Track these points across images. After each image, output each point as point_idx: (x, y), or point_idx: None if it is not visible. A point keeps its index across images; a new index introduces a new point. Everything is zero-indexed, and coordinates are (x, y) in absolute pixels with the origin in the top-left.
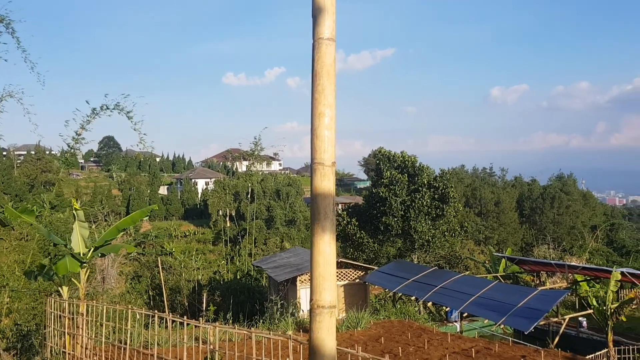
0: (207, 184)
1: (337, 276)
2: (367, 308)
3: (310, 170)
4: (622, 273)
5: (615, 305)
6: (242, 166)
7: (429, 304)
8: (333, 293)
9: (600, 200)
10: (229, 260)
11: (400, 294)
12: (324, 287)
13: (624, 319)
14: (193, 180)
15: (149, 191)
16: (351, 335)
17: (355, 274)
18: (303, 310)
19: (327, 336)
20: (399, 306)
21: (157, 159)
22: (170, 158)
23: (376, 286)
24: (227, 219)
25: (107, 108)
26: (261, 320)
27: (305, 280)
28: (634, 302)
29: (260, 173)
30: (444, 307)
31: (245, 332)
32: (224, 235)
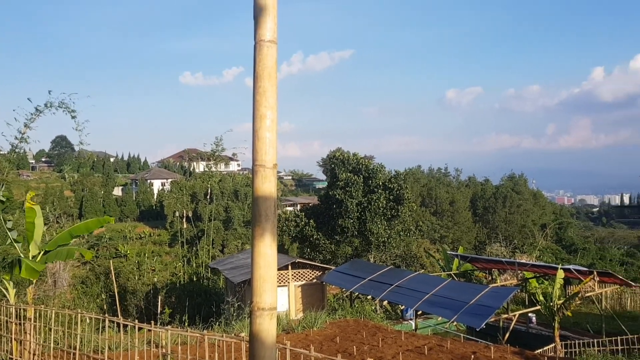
0: (163, 184)
1: (295, 277)
2: (324, 308)
3: (252, 172)
4: (568, 270)
5: (562, 301)
6: (199, 166)
7: (385, 302)
8: (274, 295)
9: (550, 200)
10: (185, 262)
11: (357, 293)
12: (264, 289)
13: (570, 314)
14: (149, 181)
15: (102, 192)
16: (307, 336)
17: (313, 274)
18: None
19: (267, 339)
20: (356, 305)
21: (112, 159)
22: (125, 158)
23: (334, 286)
24: (184, 220)
25: (52, 106)
26: (217, 323)
27: None
28: (579, 295)
29: (219, 173)
30: (399, 306)
31: (198, 334)
32: (181, 237)
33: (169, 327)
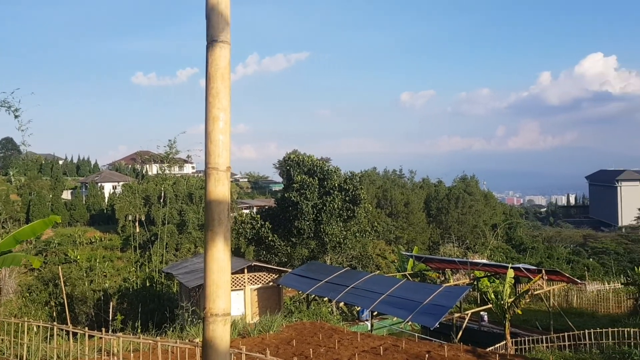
0: (114, 187)
1: (251, 280)
2: (280, 311)
3: (204, 175)
4: (518, 269)
5: (512, 299)
6: (152, 169)
7: (342, 304)
8: (227, 300)
9: (500, 200)
10: (138, 267)
11: (313, 296)
12: (217, 294)
13: (520, 312)
14: (99, 184)
15: (51, 196)
16: (263, 339)
17: (269, 277)
18: None
19: (220, 345)
20: (312, 307)
21: (60, 162)
22: (75, 161)
23: (291, 289)
24: (137, 224)
25: None
26: (171, 328)
27: None
28: (529, 293)
29: (173, 176)
30: (355, 307)
31: (151, 341)
32: (133, 241)
33: (121, 334)
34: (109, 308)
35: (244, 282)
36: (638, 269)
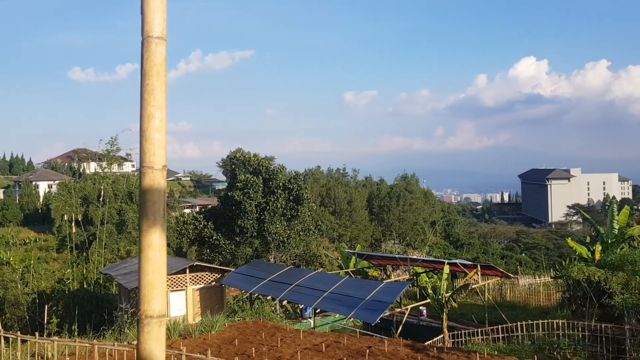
0: (50, 186)
1: (193, 280)
2: (223, 311)
3: (139, 174)
4: (455, 264)
5: (449, 294)
6: (90, 167)
7: (285, 302)
8: (163, 302)
9: (439, 198)
10: (75, 268)
11: (257, 295)
12: (152, 296)
13: (456, 306)
14: (34, 182)
15: None
16: (205, 340)
17: (212, 277)
18: None
19: (155, 347)
20: (256, 306)
21: None
22: (7, 158)
23: (234, 288)
24: (74, 224)
25: None
26: (110, 331)
27: None
28: (468, 288)
29: (112, 174)
30: (299, 305)
31: (88, 344)
32: (70, 242)
33: (56, 337)
34: (44, 311)
35: (186, 283)
36: (566, 263)
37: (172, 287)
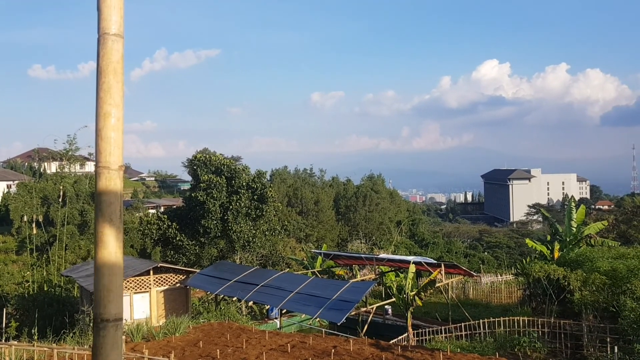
0: (9, 187)
1: (157, 282)
2: (188, 313)
3: (95, 174)
4: (419, 263)
5: (414, 292)
6: (51, 167)
7: (251, 303)
8: (119, 305)
9: (404, 198)
10: (35, 270)
11: (223, 296)
12: (108, 299)
13: (421, 304)
14: None
15: None
16: (169, 342)
17: (176, 279)
18: None
19: (112, 352)
20: (221, 308)
21: None
22: None
23: (199, 289)
24: (34, 225)
25: None
26: (71, 334)
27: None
28: (434, 286)
29: (74, 174)
30: (265, 305)
31: (47, 348)
32: (30, 244)
33: (15, 342)
34: (2, 315)
35: (150, 284)
36: (527, 261)
37: (136, 289)
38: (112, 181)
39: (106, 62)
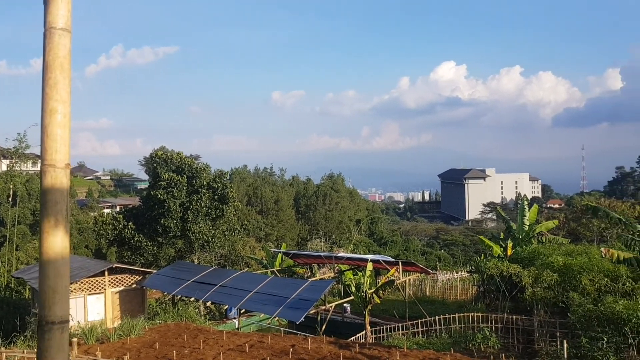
0: None
1: (112, 283)
2: (144, 314)
3: (40, 173)
4: (377, 261)
5: (372, 290)
6: (1, 166)
7: (209, 303)
8: (65, 307)
9: (364, 197)
10: None
11: (180, 296)
12: (54, 301)
13: (379, 302)
14: None
15: None
16: (124, 344)
17: (132, 279)
18: (72, 322)
19: (57, 355)
20: (179, 308)
21: None
22: None
23: (156, 290)
24: None
25: None
26: (22, 337)
27: (74, 289)
28: (394, 284)
29: (25, 173)
30: (223, 305)
31: None
32: None
33: None
34: None
35: (105, 285)
36: (481, 258)
37: (90, 291)
38: (59, 180)
39: (52, 57)
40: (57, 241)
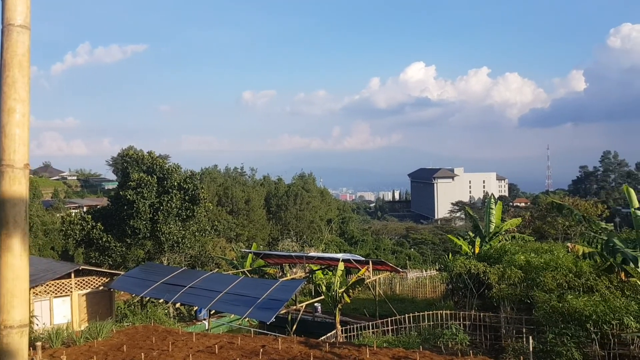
0: None
1: (79, 285)
2: (112, 316)
3: None
4: (348, 260)
5: (342, 289)
6: None
7: (178, 304)
8: (24, 311)
9: (335, 197)
10: None
11: (149, 298)
12: (12, 304)
13: (349, 301)
14: None
15: None
16: (90, 347)
17: (100, 281)
18: (37, 325)
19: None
20: (148, 310)
21: None
22: None
23: (124, 292)
24: None
25: None
26: None
27: (40, 292)
28: (364, 283)
29: None
30: (193, 307)
31: None
32: None
33: None
34: None
35: (71, 288)
36: (450, 257)
37: (56, 293)
38: (17, 181)
39: (11, 55)
40: (15, 243)
